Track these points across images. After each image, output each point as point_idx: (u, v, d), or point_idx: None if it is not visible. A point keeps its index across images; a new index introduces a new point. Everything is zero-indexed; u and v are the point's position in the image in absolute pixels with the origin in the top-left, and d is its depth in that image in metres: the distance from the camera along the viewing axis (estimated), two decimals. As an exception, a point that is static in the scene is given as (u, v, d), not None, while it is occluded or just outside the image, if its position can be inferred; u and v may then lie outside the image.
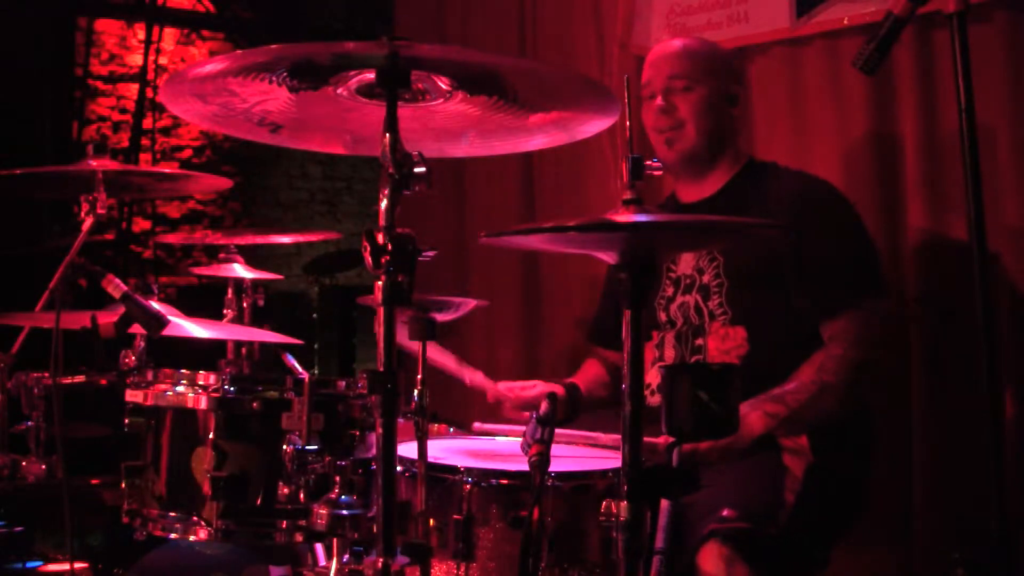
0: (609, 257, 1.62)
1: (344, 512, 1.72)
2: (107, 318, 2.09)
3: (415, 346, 1.95)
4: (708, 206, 2.60)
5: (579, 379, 2.76)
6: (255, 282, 2.69)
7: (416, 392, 1.87)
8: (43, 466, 2.28)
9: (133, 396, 2.09)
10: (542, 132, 1.85)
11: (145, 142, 6.05)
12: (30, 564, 2.31)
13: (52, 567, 2.32)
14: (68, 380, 2.25)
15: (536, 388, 2.52)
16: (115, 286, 2.05)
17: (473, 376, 2.46)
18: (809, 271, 2.38)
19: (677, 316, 2.58)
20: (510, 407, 2.52)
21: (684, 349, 2.55)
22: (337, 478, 1.75)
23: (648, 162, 1.63)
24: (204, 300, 2.70)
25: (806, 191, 2.53)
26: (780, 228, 2.08)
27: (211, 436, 1.97)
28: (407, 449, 1.90)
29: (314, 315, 6.26)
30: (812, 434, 2.32)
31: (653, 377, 2.55)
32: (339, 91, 1.68)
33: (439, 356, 2.38)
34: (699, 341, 2.52)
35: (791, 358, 2.38)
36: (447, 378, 2.55)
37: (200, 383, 2.02)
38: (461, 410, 3.43)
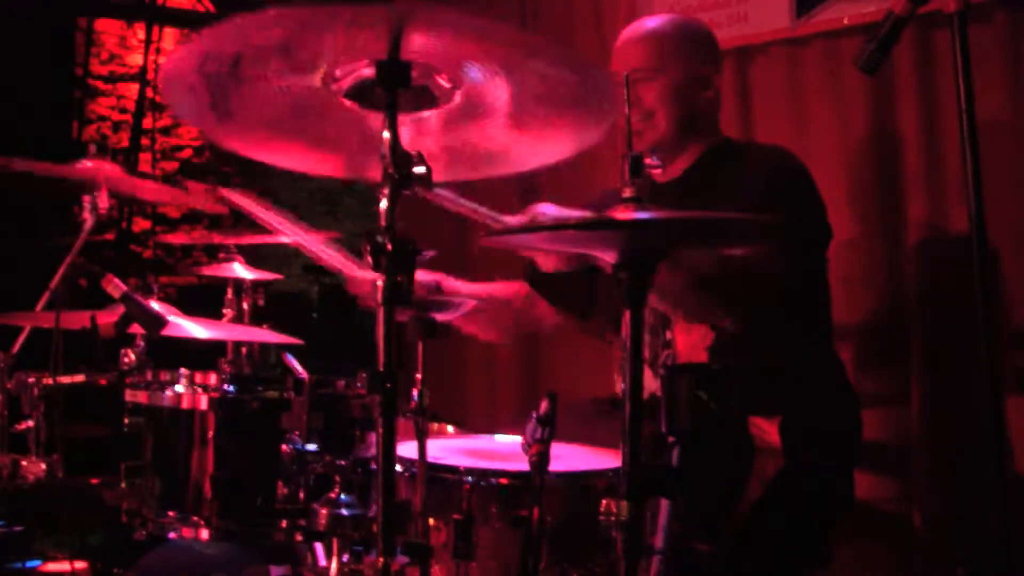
0: (609, 256, 1.62)
1: (344, 512, 1.72)
2: (107, 318, 2.09)
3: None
4: (676, 185, 2.52)
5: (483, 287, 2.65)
6: (255, 282, 2.69)
7: (416, 391, 1.87)
8: (43, 466, 2.27)
9: (133, 396, 2.10)
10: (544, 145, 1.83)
11: (145, 142, 6.05)
12: (30, 563, 2.31)
13: (52, 566, 2.32)
14: (68, 380, 2.25)
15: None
16: (115, 286, 2.05)
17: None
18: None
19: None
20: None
21: (657, 344, 2.51)
22: (337, 478, 1.76)
23: (647, 159, 1.63)
24: (204, 300, 2.69)
25: (776, 165, 2.42)
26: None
27: (211, 436, 1.97)
28: (407, 449, 1.90)
29: (314, 315, 6.26)
30: (784, 431, 2.27)
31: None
32: (340, 89, 1.66)
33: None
34: (668, 334, 2.48)
35: (758, 339, 2.27)
36: (448, 377, 2.54)
37: (200, 383, 2.02)
38: (461, 410, 3.44)
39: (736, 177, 2.41)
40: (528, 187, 2.81)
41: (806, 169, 2.43)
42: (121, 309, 2.05)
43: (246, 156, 1.76)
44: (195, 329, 2.26)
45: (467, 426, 2.50)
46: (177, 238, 6.09)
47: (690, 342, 2.41)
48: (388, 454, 1.51)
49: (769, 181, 2.35)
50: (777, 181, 2.36)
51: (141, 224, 6.24)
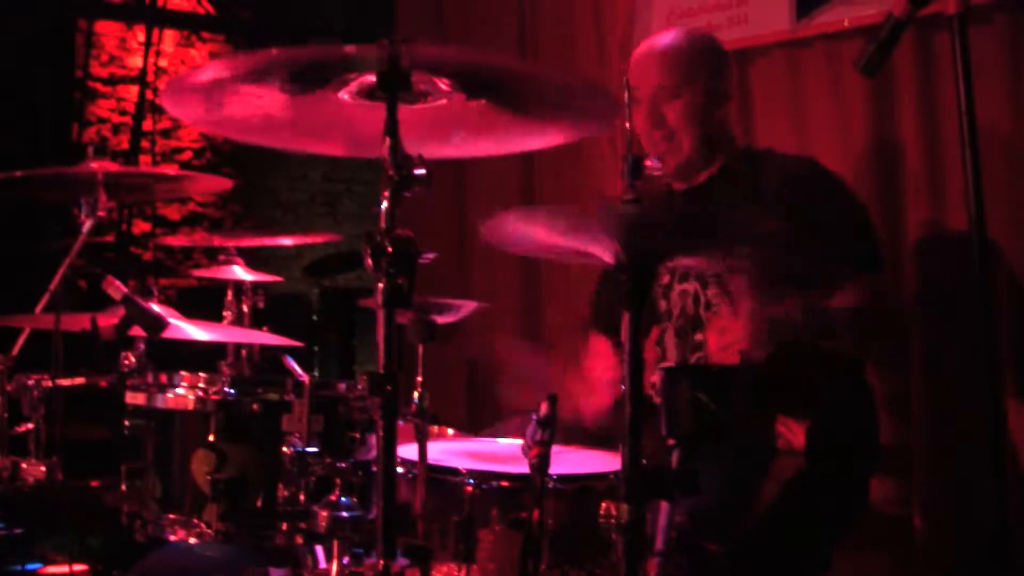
0: (608, 257, 1.61)
1: (344, 514, 1.72)
2: (107, 320, 2.09)
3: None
4: (697, 192, 2.55)
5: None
6: (255, 284, 2.69)
7: (416, 394, 1.87)
8: (43, 468, 2.27)
9: (133, 398, 2.09)
10: (542, 133, 1.84)
11: (145, 144, 6.05)
12: (30, 566, 2.31)
13: (51, 569, 2.32)
14: (68, 382, 2.25)
15: None
16: (115, 288, 2.05)
17: None
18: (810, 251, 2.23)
19: (676, 305, 2.53)
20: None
21: (684, 346, 2.51)
22: (337, 480, 1.76)
23: (647, 162, 1.63)
24: (204, 302, 2.69)
25: (802, 172, 2.46)
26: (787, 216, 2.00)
27: (211, 438, 1.97)
28: (407, 451, 1.90)
29: (314, 317, 6.25)
30: (811, 434, 2.28)
31: (658, 376, 2.49)
32: (340, 95, 1.67)
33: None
34: (698, 336, 2.48)
35: (793, 351, 2.31)
36: (447, 379, 2.54)
37: (200, 385, 2.02)
38: (461, 412, 3.44)
39: (762, 183, 2.42)
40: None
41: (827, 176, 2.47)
42: (121, 311, 2.05)
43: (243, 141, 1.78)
44: (195, 331, 2.26)
45: (467, 428, 2.50)
46: (177, 240, 6.09)
47: (722, 343, 2.39)
48: (389, 456, 1.51)
49: (791, 192, 2.37)
50: (796, 192, 2.38)
51: (141, 226, 6.24)
